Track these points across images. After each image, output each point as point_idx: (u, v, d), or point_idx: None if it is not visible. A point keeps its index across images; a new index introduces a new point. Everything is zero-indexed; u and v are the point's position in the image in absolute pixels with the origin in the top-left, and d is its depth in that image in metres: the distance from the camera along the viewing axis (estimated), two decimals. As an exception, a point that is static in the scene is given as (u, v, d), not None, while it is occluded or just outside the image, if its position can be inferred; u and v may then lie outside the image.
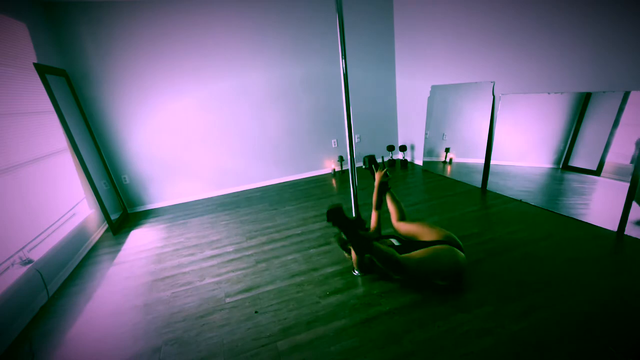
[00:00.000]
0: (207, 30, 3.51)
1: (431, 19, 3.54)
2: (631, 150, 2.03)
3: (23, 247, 2.16)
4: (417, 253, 1.66)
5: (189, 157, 3.81)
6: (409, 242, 1.87)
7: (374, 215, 2.19)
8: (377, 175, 2.16)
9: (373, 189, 2.22)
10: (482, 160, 3.16)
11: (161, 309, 1.91)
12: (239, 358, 1.48)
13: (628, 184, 2.04)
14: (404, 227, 2.02)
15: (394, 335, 1.49)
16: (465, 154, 3.40)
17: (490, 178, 3.07)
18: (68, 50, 3.16)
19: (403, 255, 1.66)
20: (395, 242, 1.92)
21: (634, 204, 2.04)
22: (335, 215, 1.56)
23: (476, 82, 3.15)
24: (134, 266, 2.47)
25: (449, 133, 3.58)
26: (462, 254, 1.68)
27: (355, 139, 4.40)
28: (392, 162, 4.37)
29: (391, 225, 2.41)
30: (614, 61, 2.08)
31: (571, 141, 2.41)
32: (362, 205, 2.86)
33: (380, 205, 2.17)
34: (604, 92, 2.15)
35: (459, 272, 1.68)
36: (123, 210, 3.59)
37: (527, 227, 2.30)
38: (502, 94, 2.89)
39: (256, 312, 1.77)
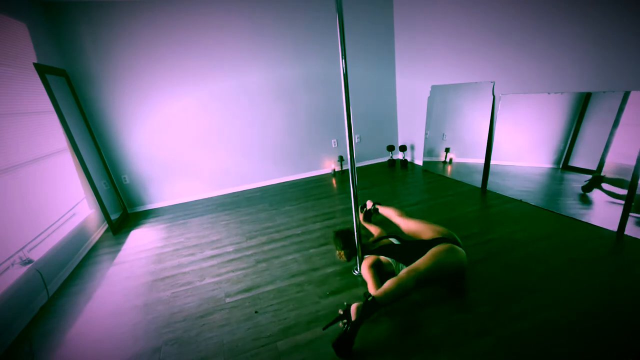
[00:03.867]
0: (207, 30, 3.51)
1: (431, 19, 3.54)
2: (631, 150, 2.02)
3: (23, 247, 2.16)
4: (420, 263, 1.59)
5: (189, 157, 3.81)
6: (409, 242, 1.88)
7: (371, 228, 2.36)
8: (361, 216, 2.42)
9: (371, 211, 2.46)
10: (482, 160, 3.16)
11: (161, 309, 1.91)
12: (239, 358, 1.48)
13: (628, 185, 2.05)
14: (404, 224, 2.07)
15: (393, 335, 1.49)
16: (465, 154, 3.39)
17: (490, 178, 3.07)
18: (68, 50, 3.16)
19: (408, 268, 1.58)
20: (395, 241, 1.93)
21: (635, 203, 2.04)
22: (343, 348, 1.38)
23: (476, 82, 3.15)
24: (134, 266, 2.47)
25: (449, 133, 3.58)
26: (462, 251, 1.68)
27: (355, 139, 4.40)
28: (392, 162, 4.37)
29: (391, 226, 2.42)
30: (614, 61, 2.07)
31: (571, 141, 2.41)
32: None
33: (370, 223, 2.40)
34: (604, 92, 2.15)
35: (461, 270, 1.68)
36: (123, 210, 3.59)
37: (527, 227, 2.30)
38: (502, 94, 2.89)
39: (256, 312, 1.77)
